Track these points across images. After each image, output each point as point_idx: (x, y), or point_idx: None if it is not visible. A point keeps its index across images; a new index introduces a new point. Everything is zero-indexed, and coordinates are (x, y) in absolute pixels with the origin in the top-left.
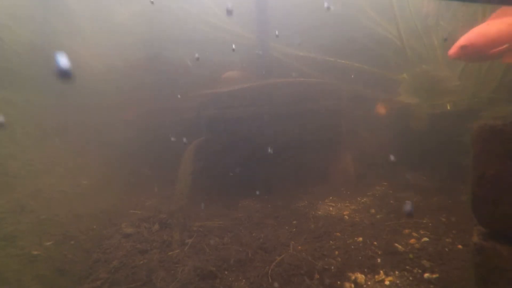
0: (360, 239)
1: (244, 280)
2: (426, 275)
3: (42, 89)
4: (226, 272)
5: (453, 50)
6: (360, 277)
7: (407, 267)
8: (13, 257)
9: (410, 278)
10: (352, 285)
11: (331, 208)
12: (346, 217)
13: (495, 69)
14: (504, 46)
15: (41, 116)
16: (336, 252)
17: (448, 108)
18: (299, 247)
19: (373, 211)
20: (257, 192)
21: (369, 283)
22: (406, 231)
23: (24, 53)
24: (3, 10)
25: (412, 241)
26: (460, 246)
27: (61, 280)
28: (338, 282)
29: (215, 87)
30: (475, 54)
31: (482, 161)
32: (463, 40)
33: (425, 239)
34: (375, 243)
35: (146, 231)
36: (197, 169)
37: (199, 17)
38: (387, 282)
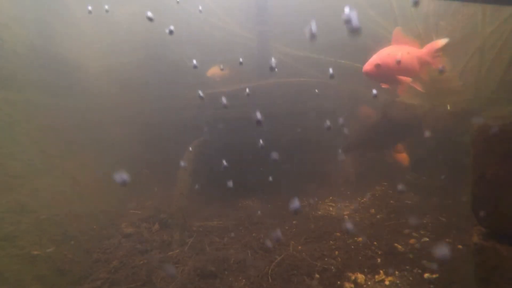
0: (360, 239)
1: (244, 280)
2: (426, 275)
3: (42, 89)
4: (226, 272)
5: (368, 67)
6: (360, 277)
7: (407, 267)
8: (13, 257)
9: (410, 278)
10: (352, 285)
11: (331, 208)
12: (346, 217)
13: (495, 69)
14: (407, 79)
15: (41, 116)
16: (336, 252)
17: (449, 108)
18: (299, 247)
19: (373, 211)
20: (257, 192)
21: (369, 283)
22: (406, 231)
23: (24, 54)
24: (3, 10)
25: (412, 241)
26: (460, 246)
27: (61, 280)
28: (338, 282)
29: (215, 87)
30: (385, 75)
31: (482, 161)
32: (376, 58)
33: (425, 239)
34: (375, 243)
35: (146, 231)
36: (197, 169)
37: (199, 17)
38: (387, 282)
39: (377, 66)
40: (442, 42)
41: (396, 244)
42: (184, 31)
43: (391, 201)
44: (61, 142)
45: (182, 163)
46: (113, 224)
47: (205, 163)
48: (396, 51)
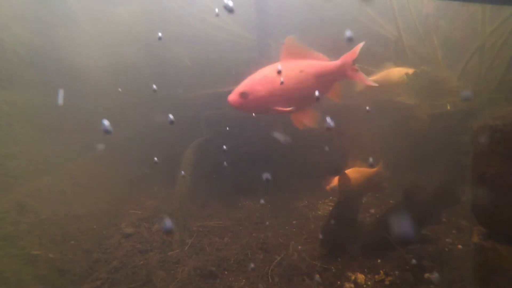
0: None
1: (244, 280)
2: (426, 275)
3: (42, 89)
4: (226, 272)
5: (232, 97)
6: (360, 277)
7: (407, 267)
8: (13, 257)
9: (410, 278)
10: (352, 285)
11: (331, 208)
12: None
13: (495, 69)
14: (290, 109)
15: (41, 116)
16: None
17: (448, 108)
18: (299, 247)
19: (372, 211)
20: (257, 193)
21: (369, 283)
22: None
23: (24, 54)
24: (3, 10)
25: None
26: (460, 246)
27: (61, 280)
28: (338, 282)
29: (215, 87)
30: (259, 105)
31: (482, 161)
32: (244, 85)
33: None
34: (375, 243)
35: (146, 231)
36: (197, 169)
37: (199, 17)
38: (387, 282)
39: (243, 95)
40: (358, 48)
41: (396, 244)
42: (184, 32)
43: (391, 201)
44: (61, 142)
45: (182, 164)
46: (113, 224)
47: (205, 163)
48: (274, 72)
